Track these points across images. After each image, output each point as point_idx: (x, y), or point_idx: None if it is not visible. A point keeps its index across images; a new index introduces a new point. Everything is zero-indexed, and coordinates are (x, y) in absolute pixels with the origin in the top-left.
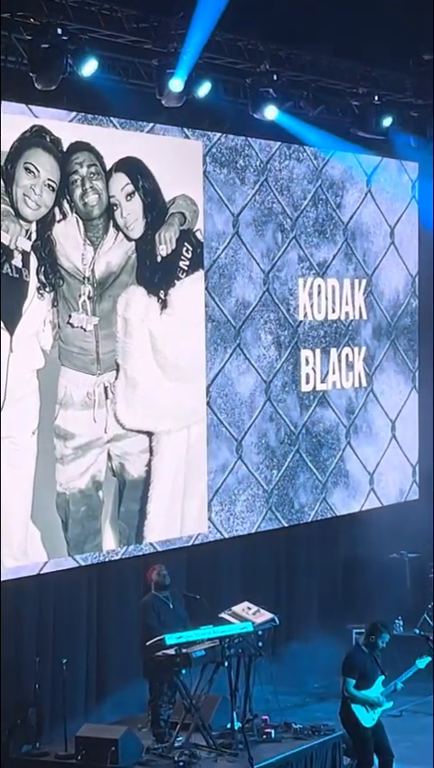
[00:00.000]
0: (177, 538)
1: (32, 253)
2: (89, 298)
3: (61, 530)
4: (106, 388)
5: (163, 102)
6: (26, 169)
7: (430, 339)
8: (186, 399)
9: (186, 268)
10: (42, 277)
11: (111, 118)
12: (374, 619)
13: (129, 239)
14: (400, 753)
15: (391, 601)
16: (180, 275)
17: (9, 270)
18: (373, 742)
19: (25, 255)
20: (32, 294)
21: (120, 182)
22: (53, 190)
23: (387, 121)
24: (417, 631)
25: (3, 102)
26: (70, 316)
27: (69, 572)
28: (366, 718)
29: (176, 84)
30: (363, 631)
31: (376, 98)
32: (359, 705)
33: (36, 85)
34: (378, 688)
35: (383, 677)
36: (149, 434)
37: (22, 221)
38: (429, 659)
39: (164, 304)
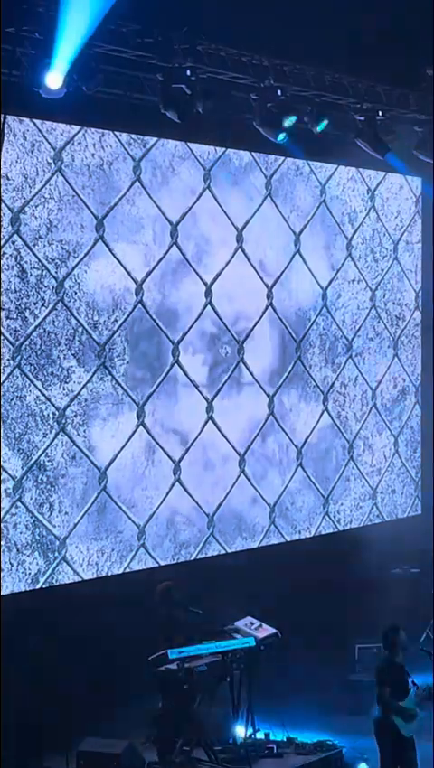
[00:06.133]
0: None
1: None
2: None
3: None
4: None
5: (42, 93)
6: None
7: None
8: (184, 412)
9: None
10: None
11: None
12: (376, 633)
13: None
14: None
15: (393, 616)
16: None
17: None
18: (405, 754)
19: None
20: None
21: None
22: None
23: (389, 138)
24: (420, 646)
25: (9, 117)
26: None
27: (72, 587)
28: (406, 729)
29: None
30: (366, 646)
31: (380, 113)
32: (397, 715)
33: (42, 94)
34: (412, 699)
35: (415, 687)
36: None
37: None
38: None
39: None
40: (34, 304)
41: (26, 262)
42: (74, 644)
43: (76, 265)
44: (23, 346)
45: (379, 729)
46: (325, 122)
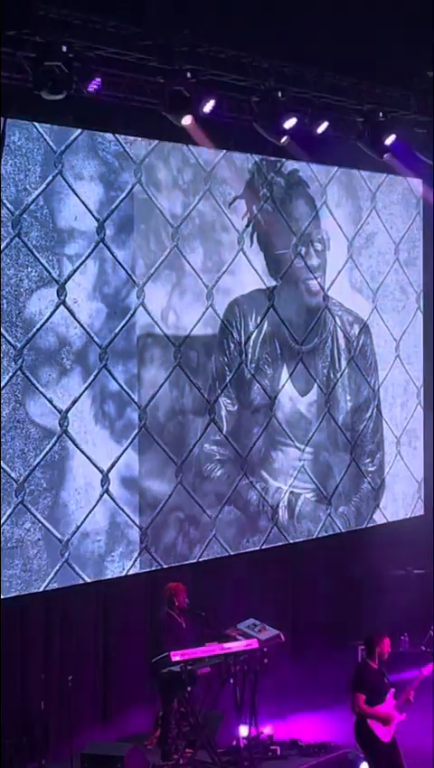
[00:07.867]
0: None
1: None
2: None
3: None
4: None
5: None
6: None
7: None
8: (186, 414)
9: None
10: None
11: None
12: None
13: None
14: None
15: (396, 617)
16: None
17: None
18: (389, 758)
19: None
20: None
21: None
22: None
23: (389, 139)
24: (423, 647)
25: (9, 119)
26: None
27: (75, 589)
28: (384, 733)
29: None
30: None
31: (381, 114)
32: (375, 720)
33: (43, 96)
34: (390, 702)
35: (393, 689)
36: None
37: None
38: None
39: None
40: (36, 306)
41: (28, 264)
42: (78, 646)
43: (77, 267)
44: (25, 349)
45: (357, 735)
46: (326, 123)
